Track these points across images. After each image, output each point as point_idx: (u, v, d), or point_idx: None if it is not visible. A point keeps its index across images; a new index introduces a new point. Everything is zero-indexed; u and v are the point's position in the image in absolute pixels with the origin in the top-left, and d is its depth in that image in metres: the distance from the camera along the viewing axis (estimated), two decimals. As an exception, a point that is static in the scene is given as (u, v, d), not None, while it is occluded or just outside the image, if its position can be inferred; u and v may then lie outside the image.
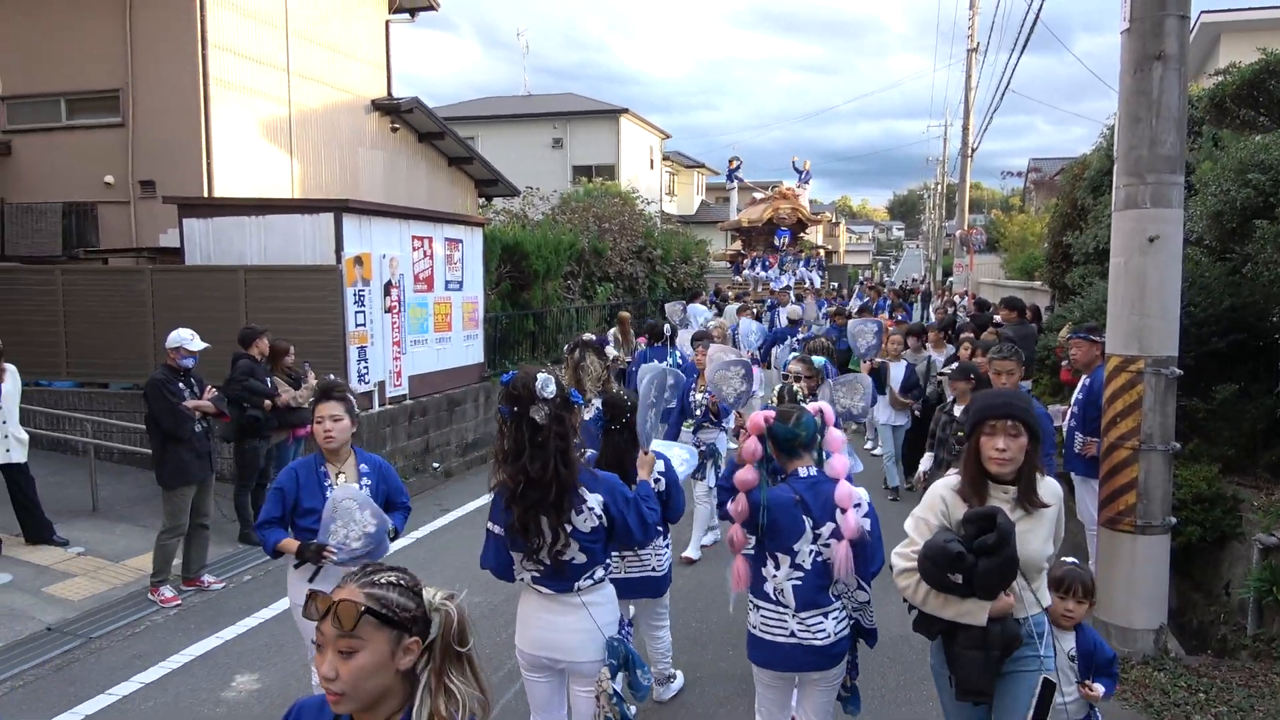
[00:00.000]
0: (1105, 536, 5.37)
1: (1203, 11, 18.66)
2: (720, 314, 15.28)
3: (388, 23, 15.06)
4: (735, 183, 23.62)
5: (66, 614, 6.17)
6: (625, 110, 33.23)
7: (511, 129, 32.29)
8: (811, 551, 3.29)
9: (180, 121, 11.20)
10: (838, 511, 3.25)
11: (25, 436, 7.26)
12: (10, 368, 7.18)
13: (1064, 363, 7.89)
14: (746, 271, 19.43)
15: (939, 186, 55.25)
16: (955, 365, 7.12)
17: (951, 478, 3.02)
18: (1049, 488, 2.98)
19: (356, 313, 9.25)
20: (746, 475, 3.28)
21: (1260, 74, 6.85)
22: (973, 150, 28.93)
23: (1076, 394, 6.46)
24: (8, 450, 7.07)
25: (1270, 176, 5.66)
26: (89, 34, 11.46)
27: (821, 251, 26.04)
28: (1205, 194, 6.17)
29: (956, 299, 25.01)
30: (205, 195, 11.02)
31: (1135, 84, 5.06)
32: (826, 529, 3.29)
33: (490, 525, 3.23)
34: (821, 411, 3.44)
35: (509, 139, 31.46)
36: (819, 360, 5.54)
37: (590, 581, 3.20)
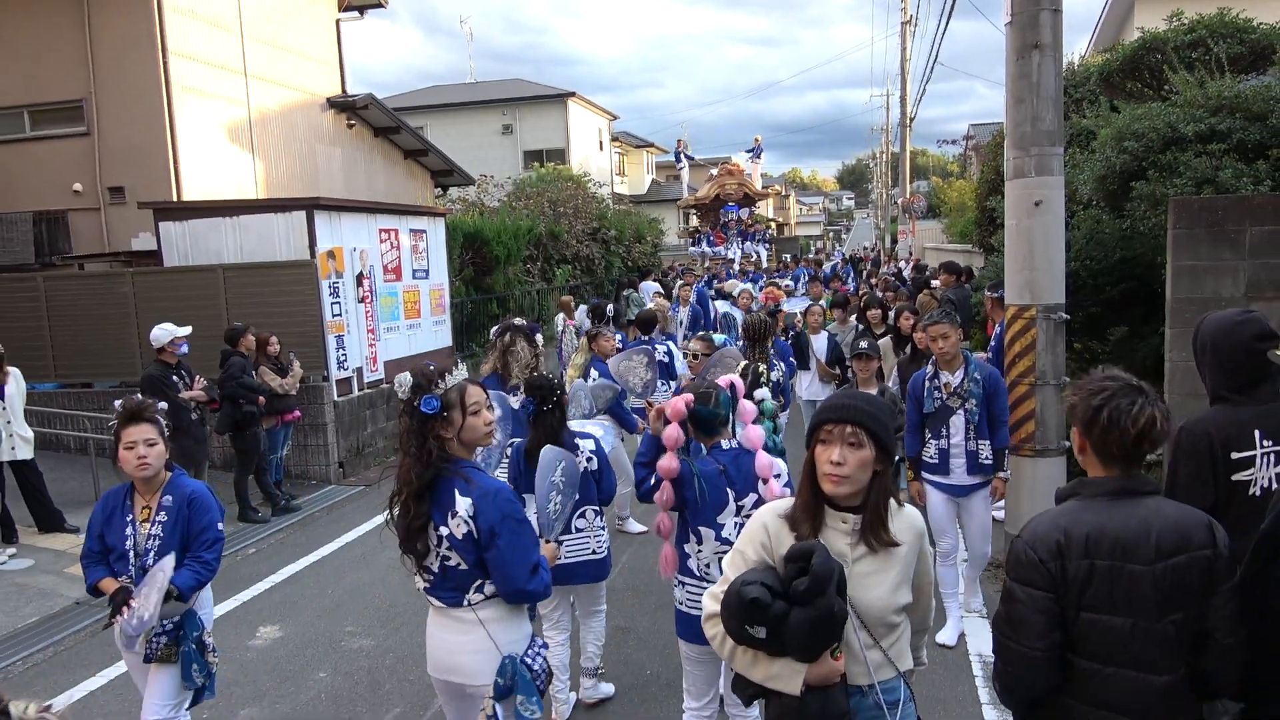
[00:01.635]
0: (1013, 462, 6.21)
1: (1118, -24, 19.60)
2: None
3: (338, 21, 15.50)
4: (684, 162, 24.26)
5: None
6: (573, 94, 33.70)
7: (461, 117, 32.60)
8: (736, 524, 3.28)
9: (145, 128, 11.61)
10: (759, 482, 3.29)
11: (30, 434, 7.77)
12: (14, 370, 7.68)
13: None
14: (692, 248, 20.11)
15: (884, 155, 56.43)
16: (862, 344, 6.10)
17: (783, 500, 2.42)
18: (906, 520, 2.33)
19: (332, 304, 9.83)
20: (669, 463, 3.22)
21: (1139, 51, 7.71)
22: (911, 119, 29.94)
23: (990, 343, 7.32)
24: (13, 448, 7.57)
25: (1143, 144, 6.50)
26: (49, 47, 11.79)
27: (773, 225, 26.68)
28: (1092, 160, 7.02)
29: (902, 264, 26.06)
30: (175, 199, 11.48)
31: (1018, 70, 5.85)
32: (749, 500, 3.32)
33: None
34: (733, 385, 3.49)
35: (459, 127, 31.78)
36: (719, 338, 5.79)
37: (481, 595, 2.90)
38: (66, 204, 12.06)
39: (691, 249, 20.01)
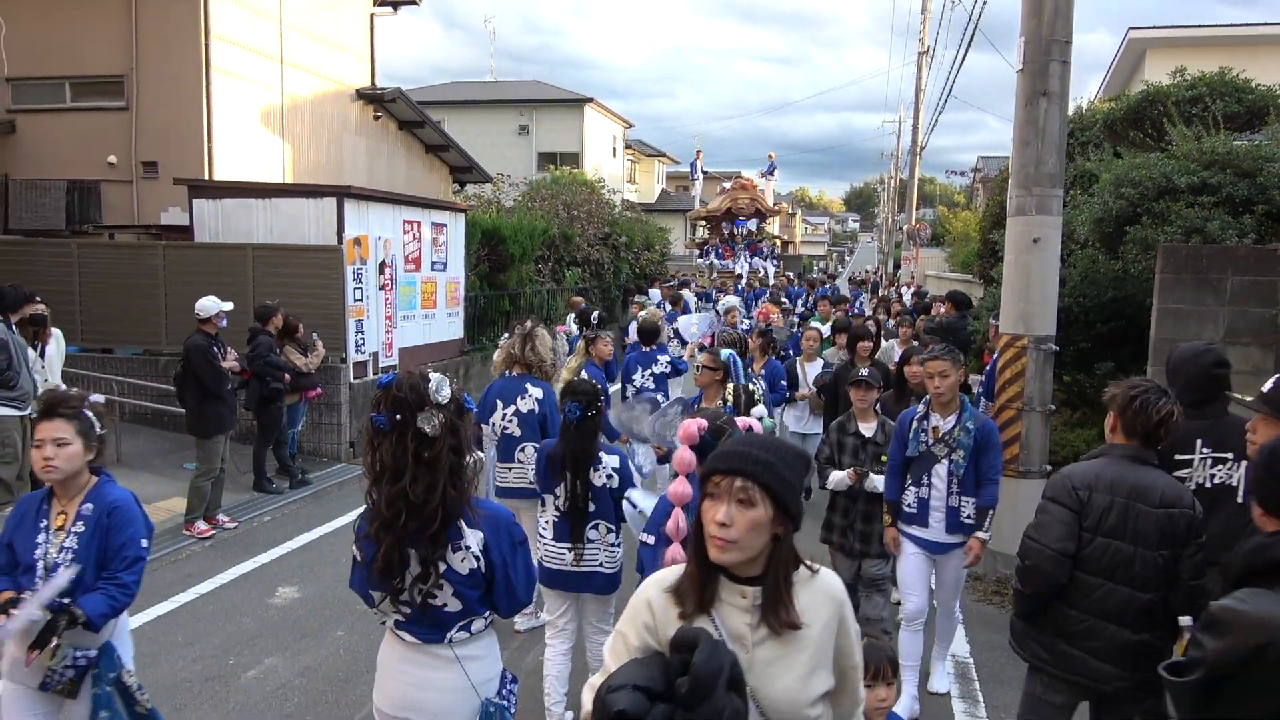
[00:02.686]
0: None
1: (1130, 28, 20.18)
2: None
3: (372, 15, 15.90)
4: (699, 174, 24.48)
5: (115, 544, 7.11)
6: (590, 100, 34.18)
7: (479, 114, 33.02)
8: None
9: (183, 107, 11.99)
10: None
11: (103, 399, 8.11)
12: (56, 332, 8.04)
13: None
14: (699, 260, 20.44)
15: (893, 181, 56.95)
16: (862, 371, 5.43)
17: (670, 570, 1.99)
18: (819, 590, 1.93)
19: (354, 289, 10.19)
20: (681, 488, 2.83)
21: (1142, 103, 8.15)
22: (922, 148, 30.42)
23: (986, 369, 7.72)
24: (50, 404, 7.93)
25: (1139, 191, 6.91)
26: (96, 22, 12.16)
27: (778, 242, 26.91)
28: (1090, 203, 7.43)
29: (904, 289, 26.47)
30: (206, 177, 11.85)
31: (1026, 115, 6.26)
32: None
33: (354, 548, 2.70)
34: (750, 429, 3.16)
35: (476, 124, 32.19)
36: (725, 353, 5.60)
37: (465, 633, 2.66)
38: (100, 175, 12.42)
39: (699, 260, 20.28)
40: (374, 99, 15.61)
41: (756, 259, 19.43)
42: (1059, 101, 6.20)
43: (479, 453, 3.89)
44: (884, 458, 4.84)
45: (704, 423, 3.14)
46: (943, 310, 11.71)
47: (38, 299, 7.91)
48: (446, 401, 2.52)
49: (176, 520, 7.59)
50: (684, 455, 2.97)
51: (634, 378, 7.91)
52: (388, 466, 2.49)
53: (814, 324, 9.70)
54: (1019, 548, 3.19)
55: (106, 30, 12.10)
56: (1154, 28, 20.31)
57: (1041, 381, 6.36)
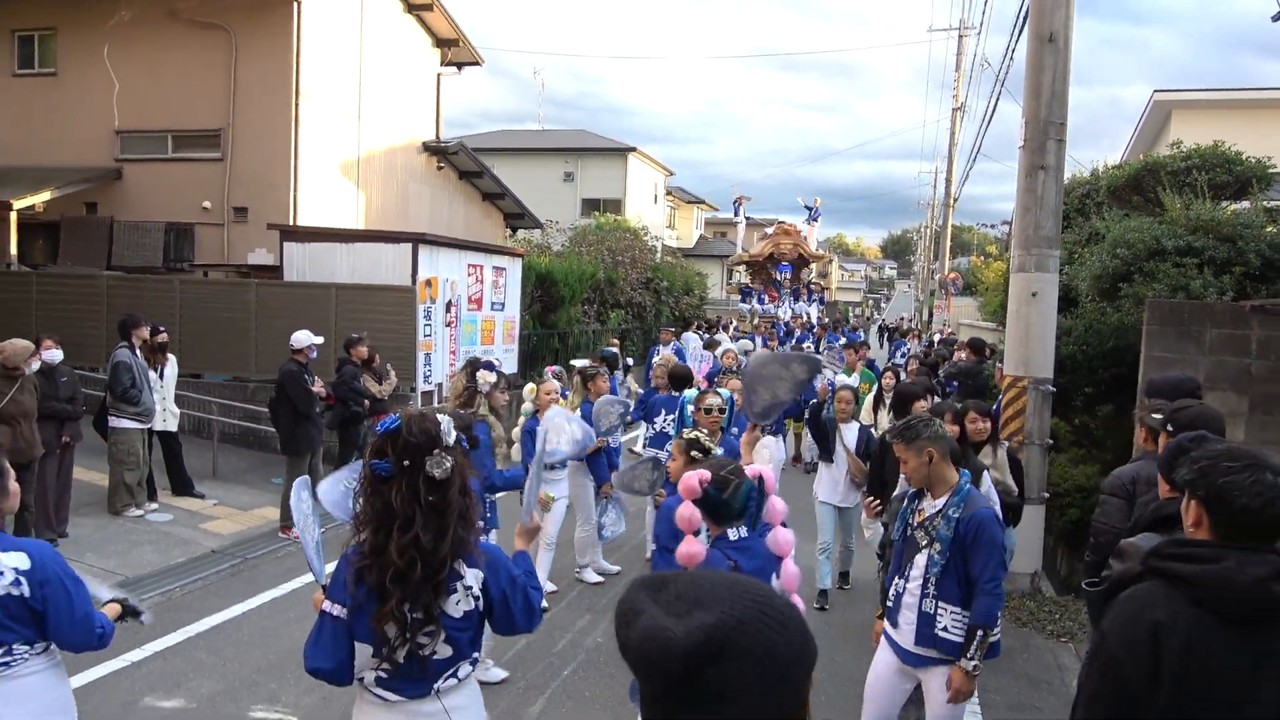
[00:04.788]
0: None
1: (1155, 90, 21.02)
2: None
3: (439, 75, 17.28)
4: (742, 219, 24.70)
5: (222, 543, 8.15)
6: (634, 149, 35.60)
7: (526, 162, 34.53)
8: None
9: (273, 158, 13.32)
10: (774, 579, 2.90)
11: (178, 411, 9.26)
12: (171, 357, 9.21)
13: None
14: (741, 304, 21.14)
15: (929, 230, 57.78)
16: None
17: None
18: None
19: (424, 325, 11.31)
20: (693, 549, 2.74)
21: (1140, 172, 9.04)
22: (955, 200, 31.32)
23: (995, 408, 8.55)
24: (165, 421, 9.06)
25: (1132, 251, 7.76)
26: (197, 81, 13.58)
27: (820, 287, 27.19)
28: (1091, 261, 8.30)
29: (936, 336, 27.20)
30: (291, 222, 13.11)
31: (1027, 185, 7.18)
32: None
33: (328, 606, 2.48)
34: (761, 478, 3.04)
35: (523, 171, 33.67)
36: (724, 394, 5.55)
37: (454, 680, 2.54)
38: (194, 218, 13.74)
39: (741, 305, 20.96)
40: (438, 151, 16.93)
41: (800, 303, 19.62)
42: (1055, 174, 7.12)
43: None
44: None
45: (706, 474, 2.93)
46: (963, 356, 12.49)
47: (161, 329, 9.09)
48: (454, 443, 2.46)
49: (273, 524, 8.63)
50: (685, 512, 2.77)
51: (656, 420, 7.77)
52: (397, 514, 2.35)
53: (841, 379, 8.64)
54: (1091, 532, 4.13)
55: (207, 89, 13.50)
56: (1179, 90, 21.08)
57: (1040, 418, 7.19)
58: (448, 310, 11.78)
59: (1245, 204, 8.21)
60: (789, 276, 19.06)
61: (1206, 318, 7.04)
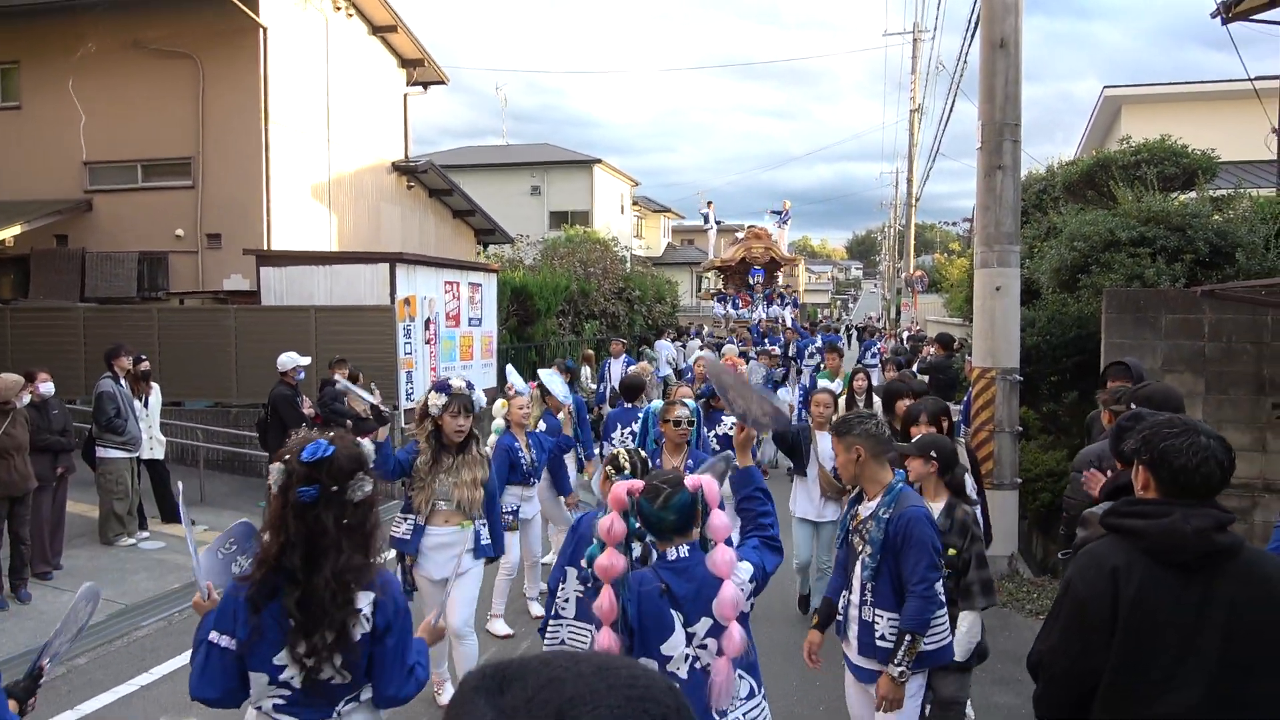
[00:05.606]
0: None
1: (1105, 87, 21.65)
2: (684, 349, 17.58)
3: (405, 95, 17.42)
4: (713, 224, 24.59)
5: (216, 567, 8.24)
6: (599, 160, 35.87)
7: (493, 177, 34.66)
8: (687, 656, 2.66)
9: (244, 184, 13.38)
10: (714, 602, 2.69)
11: (164, 439, 9.32)
12: (155, 385, 9.27)
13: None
14: (716, 309, 21.28)
15: (892, 230, 58.62)
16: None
17: None
18: None
19: (405, 344, 11.44)
20: (612, 561, 2.59)
21: (1093, 167, 9.43)
22: (916, 199, 31.90)
23: (965, 399, 8.86)
24: (151, 449, 9.12)
25: (1088, 244, 8.12)
26: (165, 111, 13.61)
27: (794, 290, 26.82)
28: (1050, 255, 8.65)
29: (904, 333, 27.72)
30: (265, 246, 13.17)
31: (986, 185, 7.50)
32: (701, 626, 2.68)
33: (215, 637, 2.43)
34: (702, 489, 2.77)
35: (491, 186, 33.78)
36: (691, 405, 5.28)
37: (355, 703, 2.51)
38: (168, 246, 13.75)
39: (715, 310, 21.08)
40: (407, 170, 17.06)
41: (774, 307, 19.59)
42: (1012, 173, 7.44)
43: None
44: (951, 551, 3.83)
45: (637, 484, 2.75)
46: (932, 351, 12.86)
47: (142, 358, 9.16)
48: (370, 469, 2.48)
49: (264, 547, 8.72)
50: (609, 524, 2.60)
51: (613, 436, 6.81)
52: (316, 538, 2.36)
53: (823, 383, 8.35)
54: (1063, 509, 4.52)
55: (175, 117, 13.53)
56: (1128, 85, 21.76)
57: (1009, 407, 7.50)
58: (426, 328, 11.92)
59: (1193, 194, 8.61)
60: (761, 280, 19.22)
61: (1161, 304, 7.38)
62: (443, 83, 17.85)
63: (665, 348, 18.80)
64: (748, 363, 11.45)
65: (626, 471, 3.52)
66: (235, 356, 11.49)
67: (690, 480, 2.75)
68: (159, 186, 13.90)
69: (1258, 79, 13.19)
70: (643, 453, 3.72)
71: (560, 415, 7.23)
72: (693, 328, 24.53)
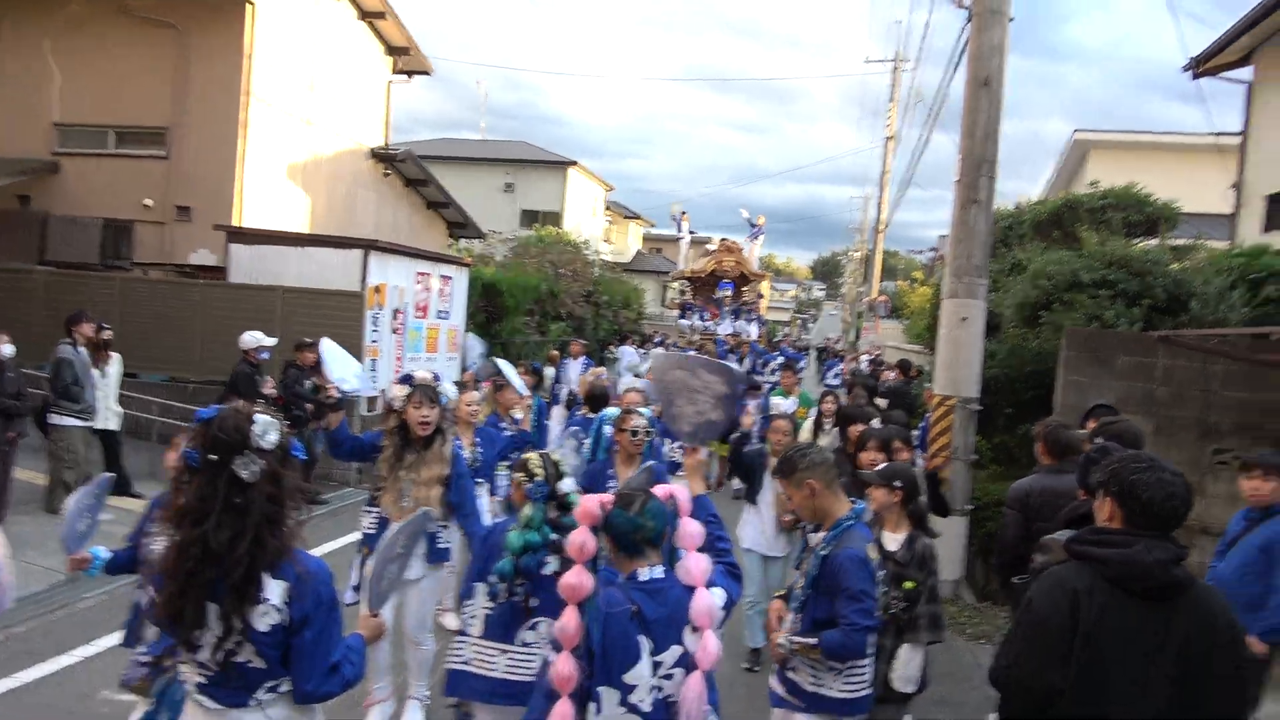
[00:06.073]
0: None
1: (1075, 130, 22.23)
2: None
3: (389, 83, 17.33)
4: (687, 234, 24.38)
5: (166, 543, 8.13)
6: (574, 163, 35.91)
7: (466, 170, 34.46)
8: (652, 688, 2.49)
9: (219, 159, 13.21)
10: (687, 631, 2.53)
11: (120, 411, 9.18)
12: (116, 355, 9.12)
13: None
14: (681, 320, 21.39)
15: (859, 254, 59.37)
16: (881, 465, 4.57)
17: None
18: None
19: (372, 331, 11.38)
20: (580, 579, 2.46)
21: (1060, 209, 9.73)
22: (885, 226, 32.42)
23: (921, 425, 9.06)
24: (106, 420, 8.97)
25: (1052, 283, 8.38)
26: (144, 78, 13.38)
27: (762, 306, 26.63)
28: (1014, 290, 8.89)
29: (864, 358, 28.07)
30: (236, 223, 13.01)
31: (960, 217, 7.70)
32: (670, 655, 2.52)
33: (138, 595, 2.50)
34: (674, 497, 2.68)
35: (464, 179, 33.52)
36: (647, 413, 5.04)
37: (273, 694, 2.43)
38: (135, 215, 13.50)
39: (681, 321, 21.11)
40: (386, 158, 16.96)
41: (740, 321, 19.55)
42: (986, 208, 7.65)
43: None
44: (908, 584, 3.77)
45: (608, 498, 2.62)
46: (892, 376, 13.14)
47: (105, 326, 9.01)
48: (271, 447, 2.34)
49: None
50: (579, 539, 2.51)
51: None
52: (191, 508, 2.29)
53: (776, 400, 8.86)
54: (996, 544, 4.94)
55: (154, 86, 13.32)
56: (1097, 130, 22.36)
57: (965, 435, 7.70)
58: (395, 317, 11.87)
59: (1154, 242, 8.91)
60: (730, 294, 19.32)
61: (1118, 346, 7.64)
62: (427, 73, 17.79)
63: (629, 354, 18.91)
64: None
65: (539, 478, 3.41)
66: (198, 332, 11.34)
67: (660, 489, 2.66)
68: (131, 154, 13.65)
69: (1220, 134, 13.72)
70: (554, 455, 3.57)
71: (518, 412, 7.09)
72: (657, 336, 24.67)
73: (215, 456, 2.29)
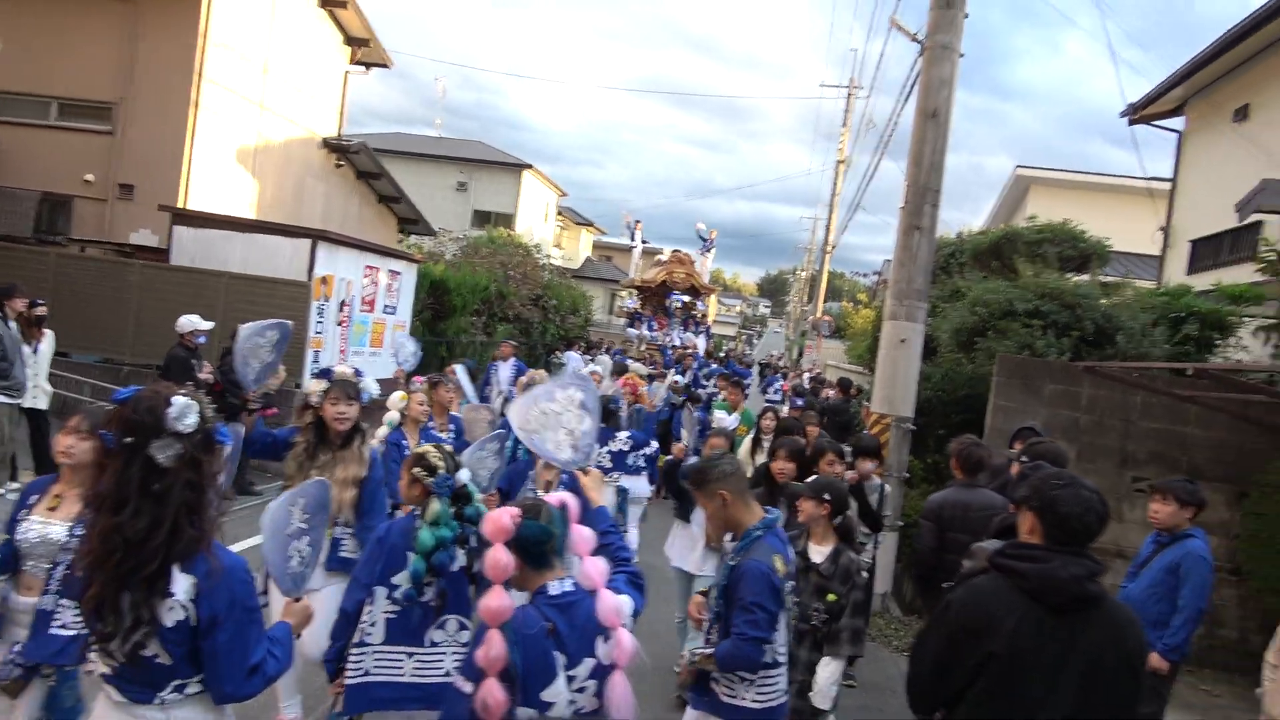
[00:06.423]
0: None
1: (1017, 166, 23.01)
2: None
3: (346, 73, 17.16)
4: (639, 243, 24.32)
5: (92, 527, 7.94)
6: (529, 166, 35.87)
7: (419, 166, 34.23)
8: (570, 703, 2.47)
9: (167, 139, 12.95)
10: (599, 641, 2.50)
11: (50, 390, 8.93)
12: (49, 333, 8.87)
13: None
14: (630, 330, 21.39)
15: (805, 273, 60.30)
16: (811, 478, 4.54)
17: None
18: None
19: (317, 322, 11.26)
20: (499, 602, 2.34)
21: (998, 241, 10.10)
22: (833, 247, 33.02)
23: (859, 442, 9.29)
24: (35, 398, 8.72)
25: (988, 310, 8.68)
26: (94, 52, 13.07)
27: (710, 318, 26.63)
28: (952, 315, 9.19)
29: (805, 375, 28.54)
30: (181, 204, 12.77)
31: (904, 242, 7.96)
32: (584, 667, 2.49)
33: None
34: (565, 505, 2.62)
35: (417, 176, 33.36)
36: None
37: (179, 695, 2.33)
38: (75, 191, 13.15)
39: (629, 330, 21.11)
40: (339, 149, 16.78)
41: (689, 334, 19.57)
42: (929, 235, 7.92)
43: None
44: (832, 596, 3.80)
45: (516, 511, 2.50)
46: (831, 394, 13.43)
47: (40, 302, 8.77)
48: (190, 431, 2.22)
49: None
50: (499, 558, 2.38)
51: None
52: (109, 494, 2.19)
53: (718, 414, 8.99)
54: (913, 552, 5.13)
55: (103, 60, 13.01)
56: (1038, 168, 23.18)
57: (900, 453, 7.93)
58: (341, 309, 11.75)
59: (1086, 277, 9.29)
60: (680, 306, 19.41)
61: (1046, 374, 7.95)
62: (386, 66, 17.66)
63: (574, 359, 18.94)
64: (649, 384, 11.23)
65: (441, 471, 3.37)
66: (135, 313, 11.09)
67: (550, 497, 2.60)
68: (74, 128, 13.30)
69: (1152, 179, 14.37)
70: (447, 447, 3.52)
71: (456, 409, 6.72)
72: (604, 343, 24.75)
73: (131, 439, 2.17)
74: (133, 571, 2.15)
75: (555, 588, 2.50)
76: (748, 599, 3.22)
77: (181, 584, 2.20)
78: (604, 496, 3.28)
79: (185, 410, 2.21)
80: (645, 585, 2.92)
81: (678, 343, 19.29)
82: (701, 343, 19.50)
